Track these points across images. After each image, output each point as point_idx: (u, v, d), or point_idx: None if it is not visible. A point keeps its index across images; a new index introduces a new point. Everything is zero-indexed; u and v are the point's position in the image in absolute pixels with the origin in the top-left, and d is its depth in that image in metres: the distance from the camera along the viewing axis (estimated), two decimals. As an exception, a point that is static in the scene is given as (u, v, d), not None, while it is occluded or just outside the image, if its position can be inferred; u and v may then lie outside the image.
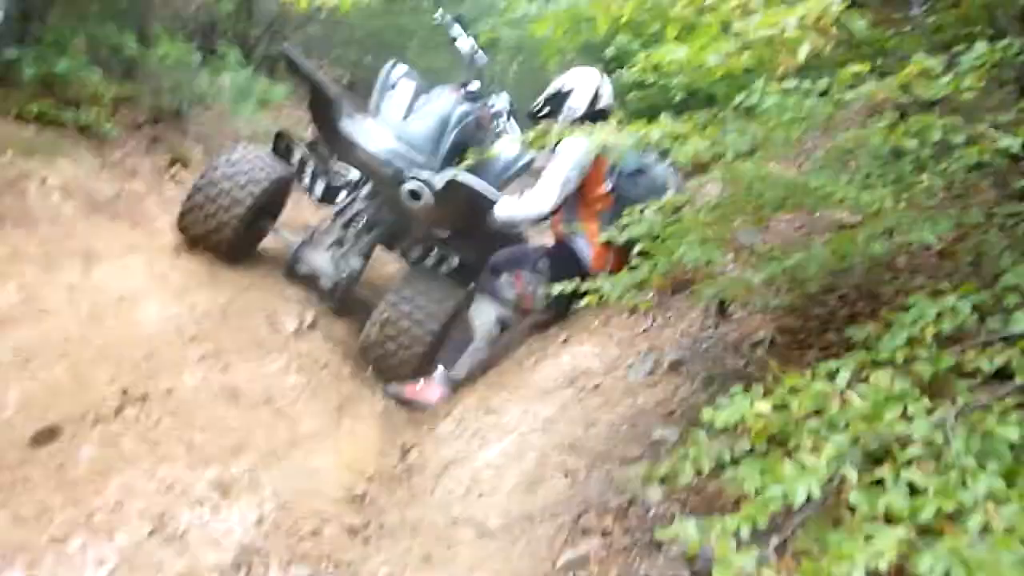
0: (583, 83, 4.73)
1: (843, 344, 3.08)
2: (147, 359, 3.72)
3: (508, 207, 4.54)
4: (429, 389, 4.53)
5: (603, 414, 3.35)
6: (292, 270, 5.00)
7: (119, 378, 3.52)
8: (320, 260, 4.94)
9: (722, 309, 3.67)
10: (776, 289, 3.48)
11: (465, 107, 5.21)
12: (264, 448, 3.69)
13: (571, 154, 4.39)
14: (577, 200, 4.56)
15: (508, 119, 5.35)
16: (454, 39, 5.66)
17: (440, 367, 4.59)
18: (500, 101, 5.38)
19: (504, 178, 5.21)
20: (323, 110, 4.85)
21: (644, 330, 3.98)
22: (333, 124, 4.75)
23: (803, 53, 1.48)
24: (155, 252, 4.78)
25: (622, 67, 7.78)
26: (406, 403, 4.54)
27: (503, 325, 4.70)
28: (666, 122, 1.81)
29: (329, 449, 4.02)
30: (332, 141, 5.13)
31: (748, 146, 1.79)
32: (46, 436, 3.13)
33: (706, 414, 1.60)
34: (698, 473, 1.67)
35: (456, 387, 4.55)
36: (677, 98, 7.28)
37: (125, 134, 5.87)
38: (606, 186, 4.51)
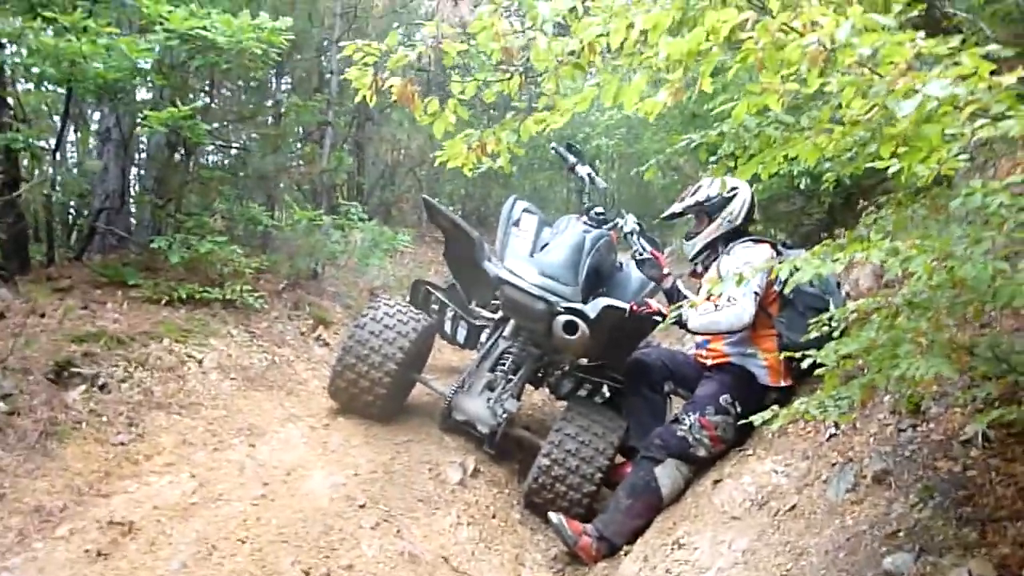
0: (742, 192, 4.59)
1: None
2: (324, 534, 3.65)
3: (703, 318, 4.27)
4: (586, 546, 4.15)
5: (810, 540, 3.08)
6: (448, 420, 4.94)
7: (301, 559, 3.46)
8: (475, 406, 4.86)
9: (916, 407, 3.39)
10: (971, 379, 3.21)
11: (595, 232, 5.17)
12: (450, 613, 3.56)
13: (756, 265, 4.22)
14: None
15: (638, 238, 5.26)
16: (571, 168, 5.67)
17: (595, 527, 4.20)
18: (628, 222, 5.31)
19: (641, 298, 5.12)
20: (463, 253, 4.88)
21: (829, 438, 3.70)
22: (476, 265, 4.75)
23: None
24: (312, 418, 4.80)
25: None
26: (563, 541, 4.21)
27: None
28: (882, 243, 1.67)
29: (513, 604, 3.86)
30: (473, 282, 5.12)
31: (981, 255, 1.62)
32: (240, 631, 3.06)
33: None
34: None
35: (615, 551, 4.16)
36: (802, 184, 7.12)
37: (268, 303, 6.03)
38: (776, 287, 4.31)
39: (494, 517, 4.43)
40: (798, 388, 4.26)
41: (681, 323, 4.38)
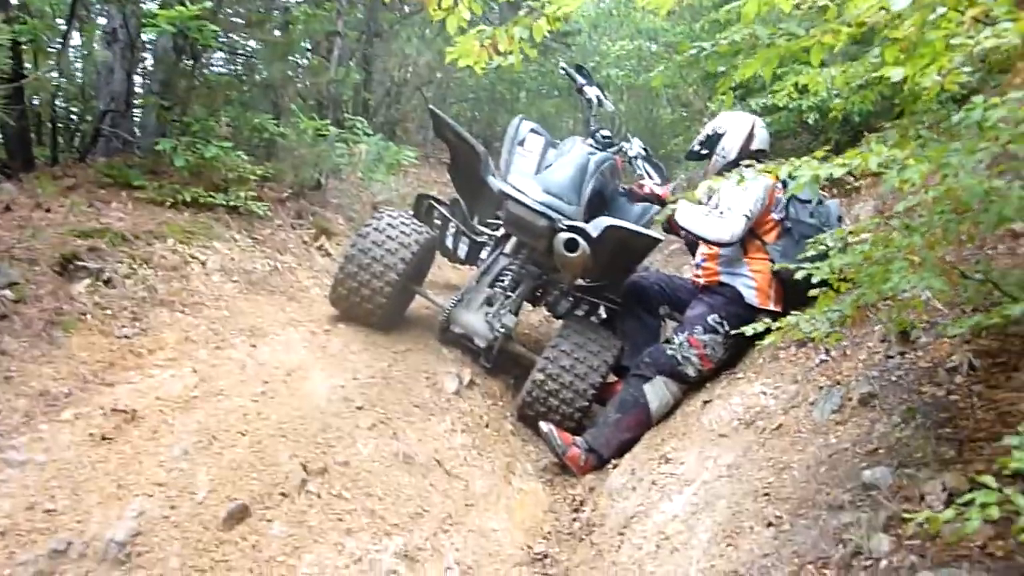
0: (736, 126, 4.67)
1: (1054, 364, 2.86)
2: (322, 432, 3.75)
3: (692, 219, 4.38)
4: (575, 456, 4.29)
5: (793, 456, 3.17)
6: (446, 332, 5.02)
7: (298, 453, 3.56)
8: (473, 320, 4.93)
9: (905, 335, 3.46)
10: (962, 310, 3.28)
11: (601, 155, 5.18)
12: (441, 512, 3.67)
13: (754, 188, 4.29)
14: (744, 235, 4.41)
15: (643, 163, 5.29)
16: (580, 88, 5.66)
17: (584, 439, 4.35)
18: (634, 146, 5.33)
19: (643, 223, 5.16)
20: (468, 167, 4.90)
21: (819, 363, 3.77)
22: (481, 180, 4.78)
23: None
24: (313, 324, 4.88)
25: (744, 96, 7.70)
26: (552, 450, 4.36)
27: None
28: (881, 148, 1.70)
29: (502, 508, 3.97)
30: (477, 198, 5.15)
31: (977, 166, 1.65)
32: (238, 516, 3.17)
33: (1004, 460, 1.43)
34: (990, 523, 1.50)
35: (603, 463, 4.31)
36: (811, 119, 7.12)
37: (271, 211, 6.06)
38: (775, 215, 4.41)
39: (487, 427, 4.53)
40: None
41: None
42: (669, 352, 4.36)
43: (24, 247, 4.33)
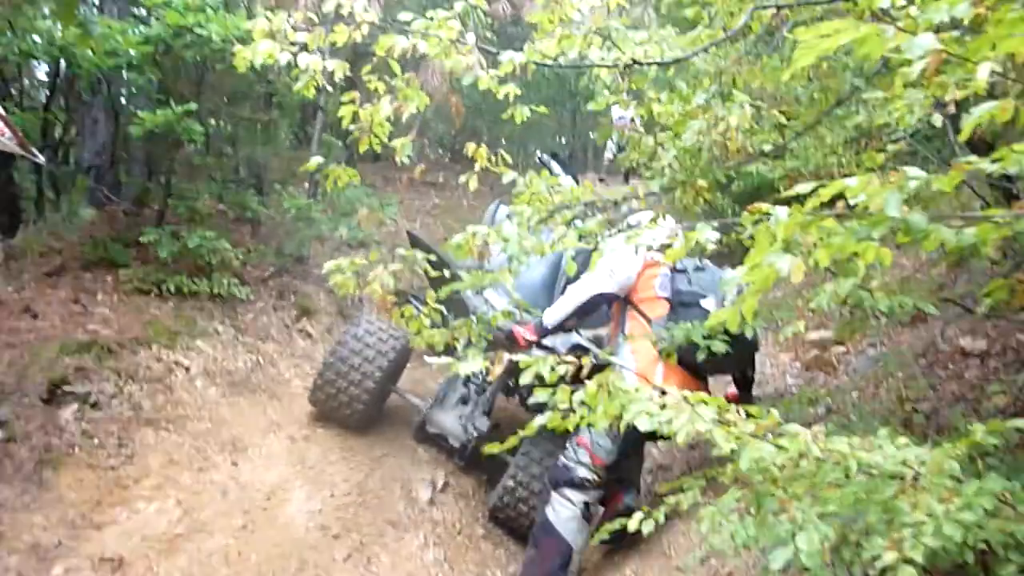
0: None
1: None
2: (300, 571, 3.95)
3: (570, 299, 4.32)
4: None
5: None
6: (421, 431, 5.22)
7: (276, 595, 3.77)
8: (448, 421, 5.13)
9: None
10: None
11: (573, 250, 5.33)
12: (411, 645, 3.89)
13: (593, 279, 4.30)
14: (625, 312, 4.36)
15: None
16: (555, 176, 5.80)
17: None
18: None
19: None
20: (443, 280, 5.07)
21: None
22: (456, 292, 4.94)
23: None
24: (293, 426, 5.08)
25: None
26: None
27: (589, 509, 4.13)
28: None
29: (474, 630, 4.18)
30: (451, 303, 5.34)
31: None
32: (218, 672, 3.38)
33: None
34: None
35: None
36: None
37: (254, 292, 6.21)
38: (659, 291, 4.24)
39: (459, 534, 4.73)
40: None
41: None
42: (561, 463, 4.20)
43: (13, 371, 4.49)
